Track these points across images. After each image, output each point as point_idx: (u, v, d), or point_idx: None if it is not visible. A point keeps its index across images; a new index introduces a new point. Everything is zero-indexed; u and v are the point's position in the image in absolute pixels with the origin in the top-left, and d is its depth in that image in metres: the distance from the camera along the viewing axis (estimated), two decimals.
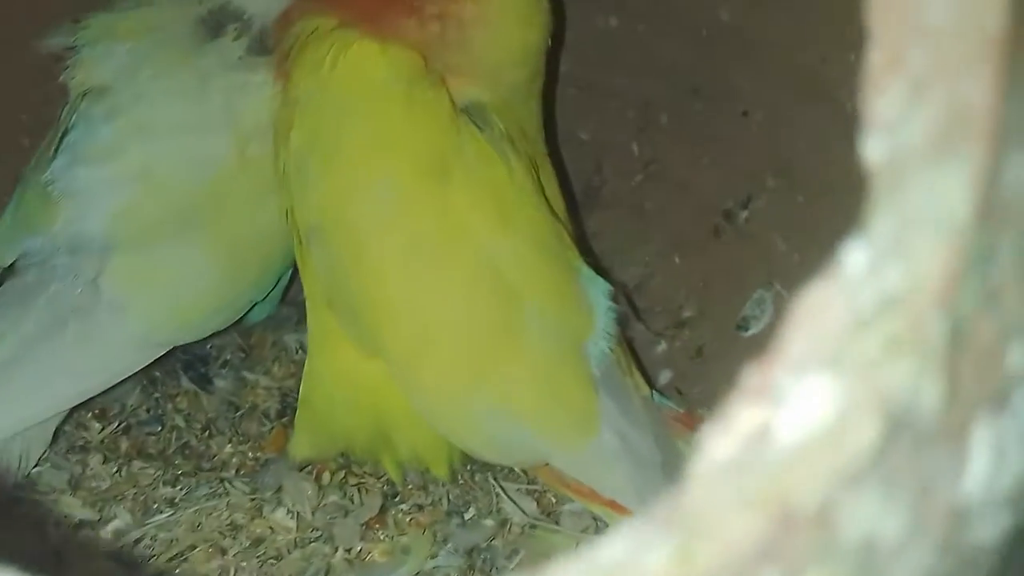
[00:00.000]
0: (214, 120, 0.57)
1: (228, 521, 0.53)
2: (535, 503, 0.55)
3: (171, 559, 0.51)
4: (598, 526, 0.54)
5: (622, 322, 0.55)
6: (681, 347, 0.62)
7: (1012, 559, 0.22)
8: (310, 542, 0.52)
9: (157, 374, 0.62)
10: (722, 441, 0.18)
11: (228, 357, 0.64)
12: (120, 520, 0.53)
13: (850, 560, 0.18)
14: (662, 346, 0.63)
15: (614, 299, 0.53)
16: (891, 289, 0.18)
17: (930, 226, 0.18)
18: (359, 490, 0.55)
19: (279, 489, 0.55)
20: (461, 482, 0.56)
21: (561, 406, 0.50)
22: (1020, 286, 0.19)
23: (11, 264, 0.57)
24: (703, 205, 0.64)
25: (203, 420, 0.61)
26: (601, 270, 0.64)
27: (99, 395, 0.58)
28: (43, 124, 0.61)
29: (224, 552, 0.51)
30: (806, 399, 0.18)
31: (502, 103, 0.53)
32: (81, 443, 0.58)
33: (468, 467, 0.56)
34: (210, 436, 0.60)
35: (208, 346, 0.64)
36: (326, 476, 0.56)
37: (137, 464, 0.57)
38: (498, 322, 0.49)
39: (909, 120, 0.18)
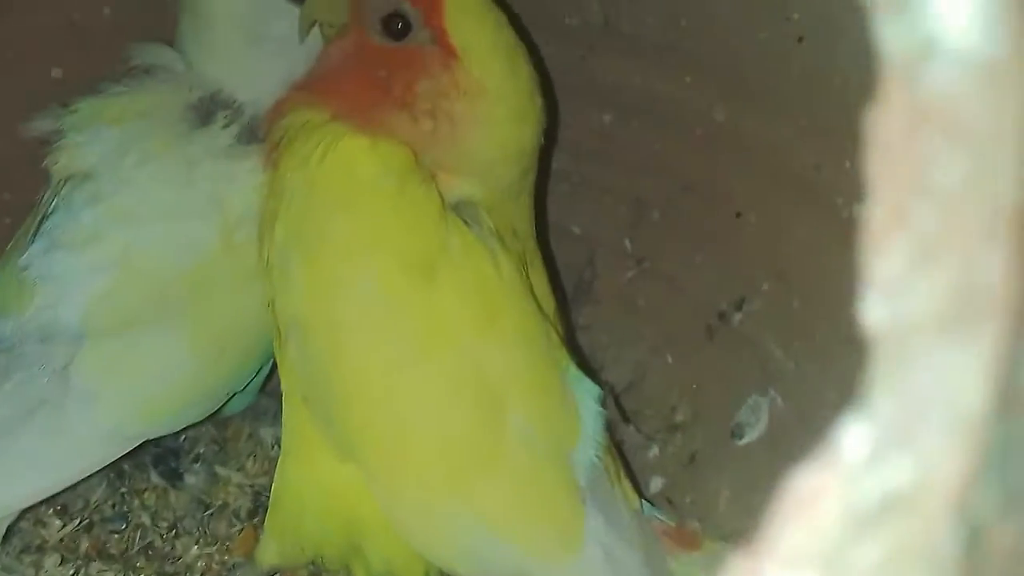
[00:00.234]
0: (199, 207, 0.56)
1: None
2: None
3: None
4: None
5: (611, 427, 0.53)
6: (673, 453, 0.60)
7: None
8: None
9: (125, 467, 0.60)
10: None
11: (201, 450, 0.61)
12: None
13: None
14: (654, 451, 0.61)
15: (603, 403, 0.51)
16: (896, 485, 0.16)
17: (940, 415, 0.16)
18: None
19: None
20: None
21: (543, 520, 0.48)
22: None
23: None
24: (696, 304, 0.62)
25: (170, 518, 0.58)
26: (591, 369, 0.62)
27: (62, 490, 0.55)
28: (27, 205, 0.60)
29: None
30: None
31: (493, 200, 0.52)
32: (38, 542, 0.55)
33: None
34: (176, 536, 0.57)
35: (182, 438, 0.62)
36: None
37: (96, 566, 0.54)
38: (479, 429, 0.47)
39: (914, 287, 0.16)
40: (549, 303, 0.55)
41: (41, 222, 0.56)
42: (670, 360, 0.64)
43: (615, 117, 0.64)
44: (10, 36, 0.65)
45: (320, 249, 0.48)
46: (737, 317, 0.60)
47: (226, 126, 0.57)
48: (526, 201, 0.56)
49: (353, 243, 0.48)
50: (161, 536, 0.57)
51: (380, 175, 0.48)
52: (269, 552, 0.52)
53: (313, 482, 0.50)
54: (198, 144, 0.56)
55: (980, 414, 0.16)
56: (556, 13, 0.62)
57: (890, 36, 0.16)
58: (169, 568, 0.55)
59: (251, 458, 0.61)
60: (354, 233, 0.48)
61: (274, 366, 0.60)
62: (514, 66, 0.51)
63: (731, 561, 0.17)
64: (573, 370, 0.52)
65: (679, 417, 0.61)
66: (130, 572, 0.54)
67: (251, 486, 0.60)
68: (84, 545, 0.56)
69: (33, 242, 0.56)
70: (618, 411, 0.60)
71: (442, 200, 0.49)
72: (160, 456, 0.61)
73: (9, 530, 0.54)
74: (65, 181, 0.56)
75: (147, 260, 0.54)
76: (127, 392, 0.54)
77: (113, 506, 0.58)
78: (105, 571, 0.53)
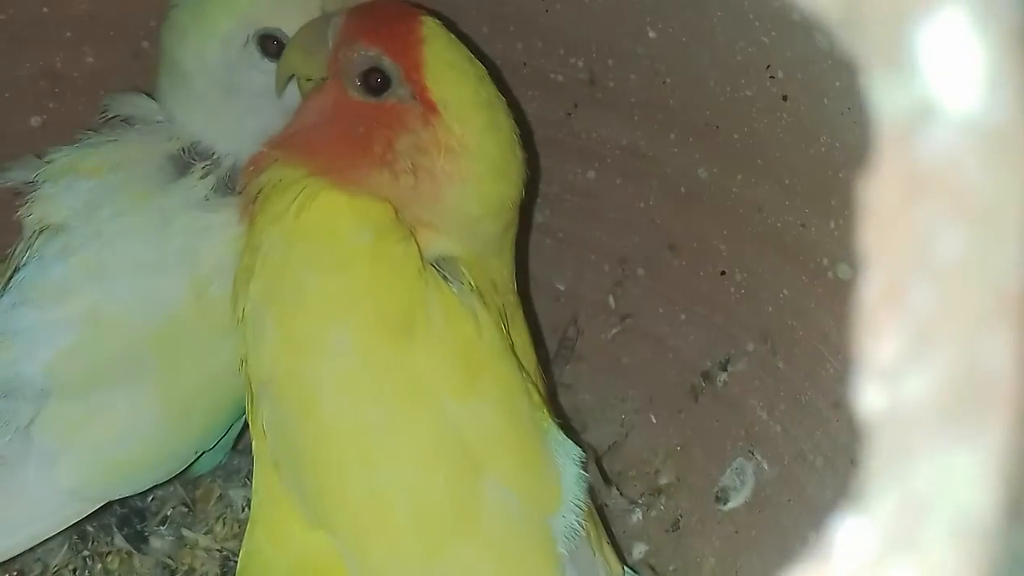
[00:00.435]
0: (172, 260, 0.54)
1: None
2: None
3: None
4: None
5: (593, 490, 0.51)
6: (657, 517, 0.58)
7: None
8: None
9: (89, 528, 0.58)
10: None
11: (169, 512, 0.59)
12: None
13: None
14: (637, 515, 0.59)
15: (585, 466, 0.50)
16: None
17: (944, 519, 0.15)
18: None
19: None
20: None
21: None
22: None
23: None
24: (681, 364, 0.61)
25: None
26: (573, 430, 0.61)
27: (20, 553, 0.53)
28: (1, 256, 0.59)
29: None
30: None
31: (474, 255, 0.51)
32: None
33: None
34: None
35: (149, 498, 0.60)
36: None
37: None
38: (457, 496, 0.45)
39: (912, 374, 0.15)
40: (530, 360, 0.54)
41: (12, 275, 0.55)
42: (654, 420, 0.62)
43: (599, 173, 0.63)
44: None
45: (295, 306, 0.47)
46: (722, 378, 0.58)
47: (203, 177, 0.56)
48: (507, 256, 0.55)
49: (328, 300, 0.47)
50: None
51: (357, 231, 0.47)
52: None
53: (283, 550, 0.48)
54: (175, 196, 0.56)
55: (988, 525, 0.14)
56: (542, 69, 0.62)
57: (884, 97, 0.15)
58: None
59: (220, 520, 0.59)
60: (330, 290, 0.47)
61: (246, 424, 0.58)
62: (495, 121, 0.50)
63: None
64: (555, 431, 0.50)
65: (663, 480, 0.60)
66: None
67: (219, 550, 0.58)
68: None
69: (2, 296, 0.54)
70: (600, 474, 0.58)
71: (421, 256, 0.48)
72: (125, 517, 0.59)
73: None
74: (38, 233, 0.55)
75: (116, 316, 0.53)
76: (91, 451, 0.53)
77: (74, 571, 0.56)
78: None
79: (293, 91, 0.55)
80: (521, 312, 0.56)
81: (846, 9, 0.15)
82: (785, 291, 0.54)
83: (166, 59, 0.58)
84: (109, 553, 0.57)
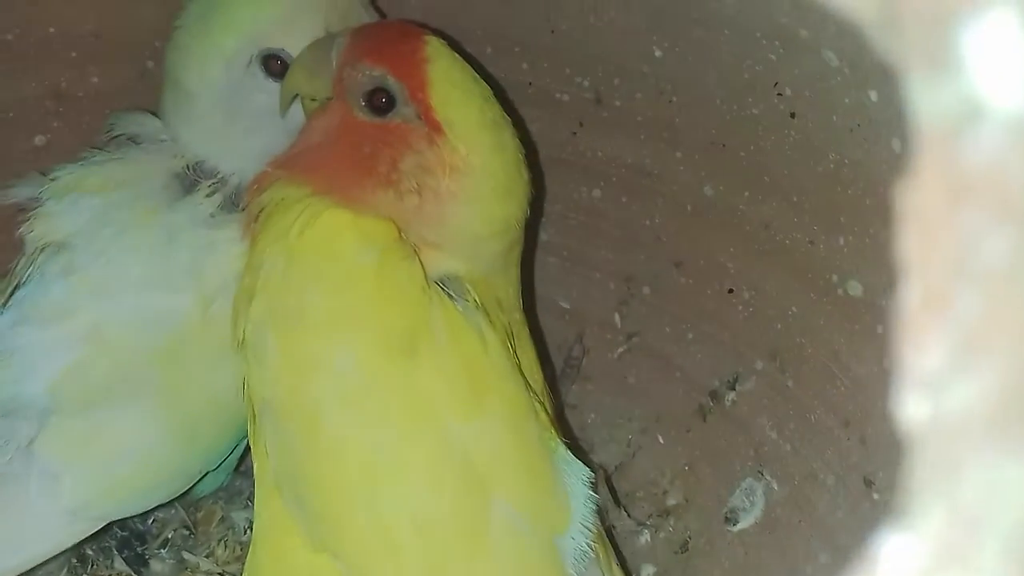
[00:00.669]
0: (176, 278, 0.54)
1: None
2: None
3: None
4: None
5: (602, 511, 0.51)
6: (665, 539, 0.57)
7: None
8: None
9: (88, 551, 0.57)
10: None
11: (170, 535, 0.58)
12: None
13: None
14: (645, 537, 0.58)
15: (595, 486, 0.49)
16: None
17: (998, 536, 0.14)
18: None
19: None
20: None
21: None
22: None
23: None
24: (688, 383, 0.61)
25: None
26: (580, 449, 0.60)
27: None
28: (1, 270, 0.58)
29: None
30: None
31: (479, 274, 0.51)
32: None
33: None
34: None
35: (150, 520, 0.59)
36: None
37: None
38: (463, 517, 0.45)
39: (958, 384, 0.14)
40: (537, 379, 0.53)
41: (13, 292, 0.54)
42: (661, 440, 0.62)
43: (605, 192, 0.63)
44: None
45: (297, 325, 0.46)
46: (730, 397, 0.58)
47: (210, 195, 0.56)
48: (513, 274, 0.54)
49: (331, 319, 0.46)
50: None
51: (361, 250, 0.47)
52: None
53: (285, 573, 0.47)
54: (180, 213, 0.55)
55: None
56: (547, 89, 0.62)
57: (925, 99, 0.14)
58: None
59: (222, 543, 0.58)
60: (333, 309, 0.46)
61: (249, 444, 0.57)
62: (501, 141, 0.50)
63: None
64: (562, 451, 0.49)
65: (671, 501, 0.59)
66: None
67: (221, 574, 0.57)
68: None
69: (3, 313, 0.54)
70: (609, 494, 0.58)
71: (425, 275, 0.48)
72: (126, 540, 0.58)
73: None
74: (40, 250, 0.55)
75: (118, 334, 0.53)
76: (93, 470, 0.52)
77: None
78: None
79: (297, 111, 0.55)
80: (527, 330, 0.55)
81: (883, 9, 0.15)
82: (793, 308, 0.53)
83: (170, 79, 0.58)
84: None
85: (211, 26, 0.55)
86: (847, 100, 0.44)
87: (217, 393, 0.54)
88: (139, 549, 0.58)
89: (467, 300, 0.49)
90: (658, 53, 0.55)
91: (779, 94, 0.50)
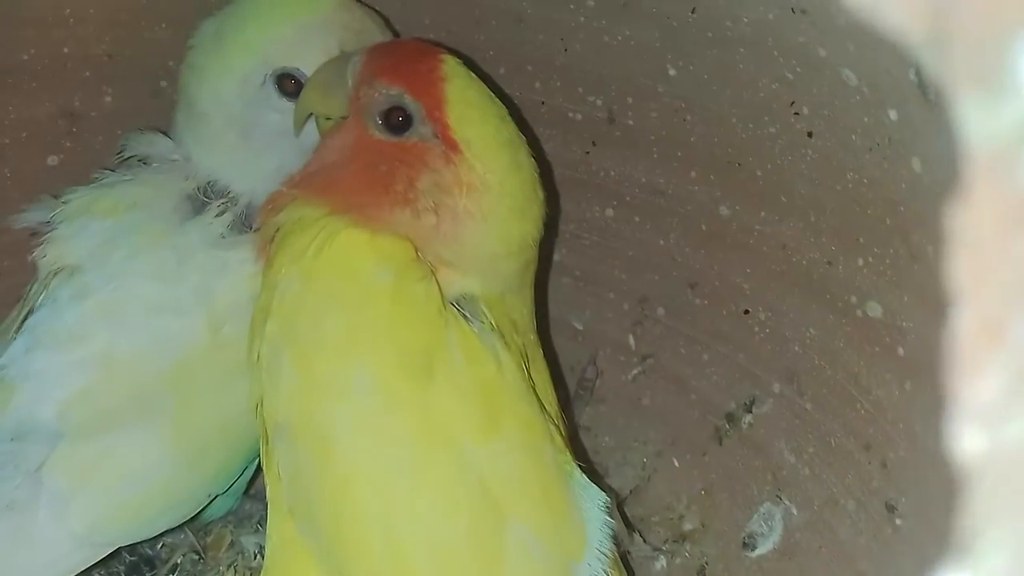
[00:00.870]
0: (187, 300, 0.54)
1: None
2: None
3: None
4: None
5: (616, 537, 0.50)
6: (682, 565, 0.56)
7: None
8: None
9: None
10: None
11: (179, 560, 0.58)
12: None
13: None
14: (660, 563, 0.57)
15: (610, 511, 0.48)
16: None
17: None
18: None
19: None
20: None
21: None
22: None
23: None
24: (704, 405, 0.60)
25: None
26: (594, 473, 0.59)
27: None
28: (15, 294, 0.58)
29: None
30: None
31: (494, 294, 0.50)
32: None
33: None
34: None
35: (159, 544, 0.58)
36: None
37: None
38: (479, 542, 0.44)
39: (1016, 414, 0.14)
40: (551, 401, 0.52)
41: (26, 317, 0.54)
42: (677, 464, 0.61)
43: (618, 211, 0.63)
44: (8, 122, 0.65)
45: (312, 346, 0.46)
46: (747, 419, 0.57)
47: (220, 215, 0.56)
48: (527, 294, 0.54)
49: (347, 340, 0.46)
50: None
51: (378, 270, 0.46)
52: None
53: None
54: (191, 234, 0.55)
55: None
56: (560, 107, 0.62)
57: (976, 121, 0.14)
58: None
59: (232, 568, 0.58)
60: (349, 330, 0.46)
61: (259, 467, 0.57)
62: (517, 160, 0.49)
63: None
64: (578, 475, 0.49)
65: (687, 526, 0.58)
66: None
67: None
68: None
69: (15, 339, 0.54)
70: (623, 519, 0.57)
71: (442, 296, 0.47)
72: (134, 565, 0.57)
73: None
74: (53, 275, 0.55)
75: (130, 357, 0.52)
76: (102, 495, 0.52)
77: None
78: None
79: (310, 130, 0.55)
80: (541, 351, 0.55)
81: (932, 28, 0.14)
82: (812, 330, 0.52)
83: (184, 98, 0.58)
84: None
85: (225, 45, 0.55)
86: (866, 119, 0.44)
87: (227, 416, 0.54)
88: (148, 574, 0.57)
89: (483, 321, 0.48)
90: (672, 72, 0.55)
91: (796, 113, 0.49)
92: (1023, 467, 0.14)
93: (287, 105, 0.55)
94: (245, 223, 0.56)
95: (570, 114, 0.62)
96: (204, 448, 0.54)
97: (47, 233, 0.56)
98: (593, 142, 0.62)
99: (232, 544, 0.59)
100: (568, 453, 0.49)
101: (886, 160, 0.43)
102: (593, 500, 0.48)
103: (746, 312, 0.57)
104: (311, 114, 0.54)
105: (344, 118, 0.51)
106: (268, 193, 0.53)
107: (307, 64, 0.54)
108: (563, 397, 0.60)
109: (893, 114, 0.41)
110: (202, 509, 0.56)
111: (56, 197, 0.58)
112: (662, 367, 0.63)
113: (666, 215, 0.60)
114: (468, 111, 0.48)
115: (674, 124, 0.57)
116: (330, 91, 0.51)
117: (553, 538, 0.45)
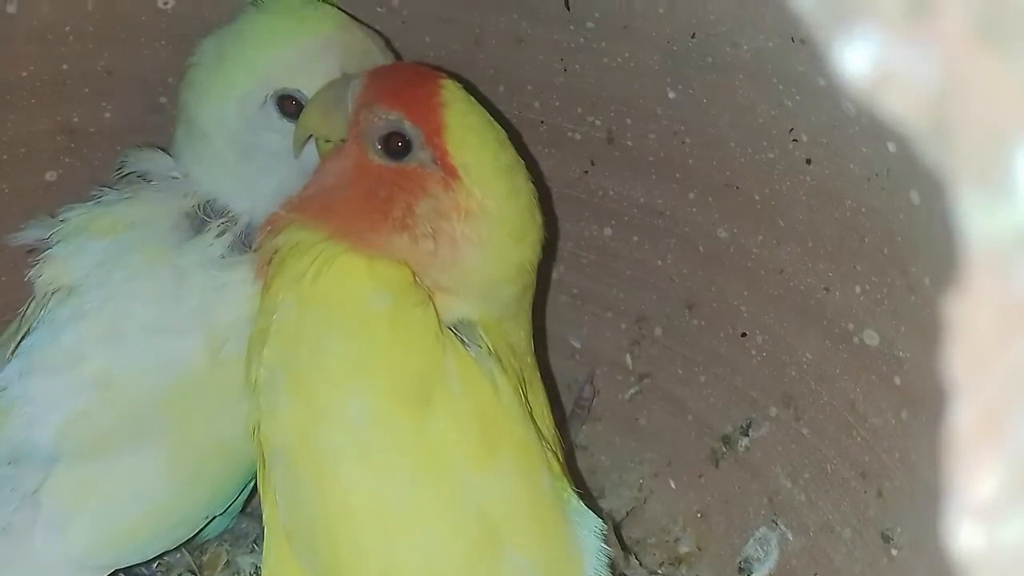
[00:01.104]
0: (186, 321, 0.54)
1: None
2: None
3: None
4: None
5: (614, 563, 0.50)
6: None
7: None
8: None
9: None
10: None
11: None
12: None
13: None
14: None
15: (606, 538, 0.48)
16: None
17: None
18: None
19: None
20: None
21: None
22: None
23: None
24: (701, 426, 0.60)
25: None
26: (590, 495, 0.59)
27: None
28: (13, 310, 0.58)
29: None
30: None
31: (492, 319, 0.50)
32: None
33: None
34: None
35: (155, 564, 0.58)
36: None
37: None
38: (476, 569, 0.44)
39: (1015, 514, 0.14)
40: (548, 425, 0.52)
41: (23, 337, 0.54)
42: (673, 486, 0.61)
43: (616, 230, 0.63)
44: (7, 138, 0.64)
45: (310, 372, 0.46)
46: (743, 442, 0.57)
47: (219, 235, 0.56)
48: (524, 318, 0.54)
49: (345, 366, 0.46)
50: None
51: (376, 295, 0.46)
52: None
53: None
54: (190, 254, 0.55)
55: None
56: (559, 127, 0.62)
57: (976, 216, 0.14)
58: None
59: None
60: (346, 356, 0.46)
61: (256, 486, 0.56)
62: (515, 186, 0.49)
63: None
64: (575, 502, 0.49)
65: (683, 548, 0.58)
66: None
67: None
68: None
69: (12, 360, 0.53)
70: (619, 542, 0.57)
71: (439, 321, 0.47)
72: None
73: None
74: (50, 295, 0.54)
75: (127, 379, 0.52)
76: (99, 517, 0.51)
77: None
78: None
79: (310, 151, 0.55)
80: (538, 375, 0.55)
81: (935, 120, 0.14)
82: (808, 355, 0.52)
83: (184, 116, 0.57)
84: None
85: (226, 64, 0.55)
86: (865, 149, 0.44)
87: (224, 438, 0.53)
88: None
89: (480, 346, 0.48)
90: (671, 95, 0.55)
91: (795, 140, 0.49)
92: (1020, 570, 0.14)
93: (287, 126, 0.55)
94: (245, 243, 0.56)
95: (569, 133, 0.62)
96: (201, 470, 0.54)
97: (44, 252, 0.55)
98: (592, 161, 0.62)
99: (228, 563, 0.59)
100: (565, 479, 0.49)
101: (884, 191, 0.44)
102: (589, 527, 0.48)
103: (743, 335, 0.57)
104: (311, 135, 0.54)
105: (344, 140, 0.51)
106: (268, 213, 0.53)
107: (308, 85, 0.54)
108: (559, 417, 0.59)
109: (892, 146, 0.41)
110: (200, 529, 0.56)
111: (54, 215, 0.57)
112: (659, 387, 0.63)
113: (664, 236, 0.60)
114: (467, 137, 0.48)
115: (673, 146, 0.57)
116: (330, 114, 0.51)
117: (550, 566, 0.45)
